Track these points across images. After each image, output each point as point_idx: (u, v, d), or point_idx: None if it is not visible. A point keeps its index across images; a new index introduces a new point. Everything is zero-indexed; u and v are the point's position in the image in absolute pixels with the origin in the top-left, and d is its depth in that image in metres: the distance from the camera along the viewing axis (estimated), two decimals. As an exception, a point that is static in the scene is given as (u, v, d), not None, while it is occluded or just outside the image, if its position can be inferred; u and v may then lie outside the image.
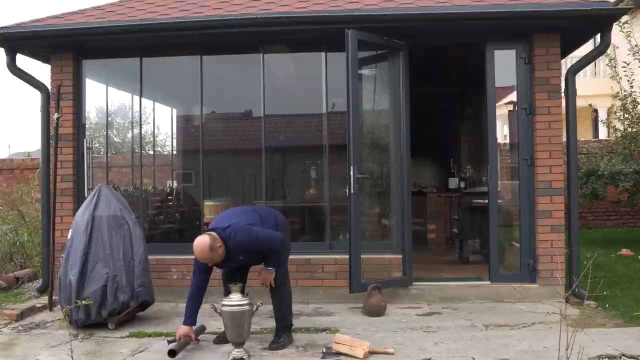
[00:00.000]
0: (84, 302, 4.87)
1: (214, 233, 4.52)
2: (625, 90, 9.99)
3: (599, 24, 6.02)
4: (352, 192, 5.79)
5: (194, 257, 4.52)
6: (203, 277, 4.71)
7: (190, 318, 4.66)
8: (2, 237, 8.13)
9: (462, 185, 9.66)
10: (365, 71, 6.58)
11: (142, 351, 4.75)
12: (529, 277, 6.24)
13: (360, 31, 5.94)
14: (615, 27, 6.53)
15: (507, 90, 7.58)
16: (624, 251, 9.04)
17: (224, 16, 6.18)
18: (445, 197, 9.32)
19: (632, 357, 4.26)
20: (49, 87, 6.77)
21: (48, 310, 6.11)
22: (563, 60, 6.67)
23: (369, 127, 6.76)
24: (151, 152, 11.12)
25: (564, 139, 6.29)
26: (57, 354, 4.68)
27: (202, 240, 4.45)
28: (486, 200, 6.61)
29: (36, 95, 8.21)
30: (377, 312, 5.70)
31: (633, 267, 7.85)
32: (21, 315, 5.85)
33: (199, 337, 4.88)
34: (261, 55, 6.82)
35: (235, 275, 4.82)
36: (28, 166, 12.65)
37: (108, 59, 7.14)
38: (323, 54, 6.79)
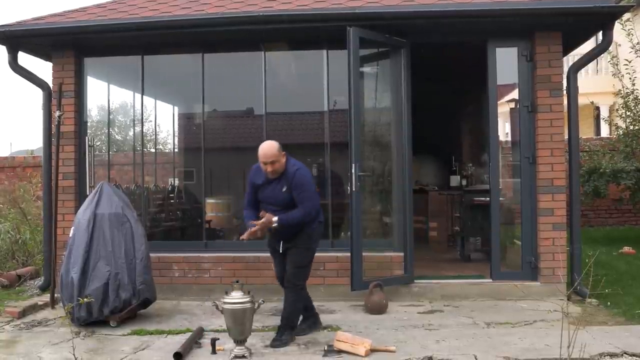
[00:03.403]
0: (85, 299, 4.87)
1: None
2: (627, 88, 9.98)
3: (601, 21, 6.00)
4: (353, 190, 5.79)
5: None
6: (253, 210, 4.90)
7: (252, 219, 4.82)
8: (4, 235, 8.13)
9: (464, 183, 9.65)
10: (366, 69, 6.57)
11: (143, 349, 4.75)
12: (531, 275, 6.24)
13: (362, 29, 5.94)
14: (617, 25, 6.52)
15: (509, 87, 7.55)
16: (626, 249, 9.04)
17: (225, 14, 6.17)
18: (446, 195, 9.31)
19: (634, 355, 4.27)
20: (51, 85, 6.78)
21: (50, 308, 6.11)
22: (565, 58, 6.66)
23: (370, 125, 6.75)
24: (153, 150, 11.14)
25: (566, 136, 6.29)
26: (59, 351, 4.69)
27: (272, 141, 4.72)
28: (488, 198, 6.61)
29: (38, 93, 8.22)
30: (378, 310, 5.70)
31: (635, 265, 7.84)
32: (23, 313, 5.86)
33: (199, 340, 4.87)
34: (262, 53, 6.81)
35: (280, 261, 4.96)
36: (30, 164, 12.64)
37: (109, 56, 7.13)
38: (324, 51, 6.78)
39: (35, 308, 6.07)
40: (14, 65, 6.62)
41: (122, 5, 6.81)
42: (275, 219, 4.67)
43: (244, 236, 4.77)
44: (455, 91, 10.29)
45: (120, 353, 4.65)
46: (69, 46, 6.74)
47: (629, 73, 9.80)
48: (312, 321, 5.09)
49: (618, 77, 10.10)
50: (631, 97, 9.94)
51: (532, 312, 5.54)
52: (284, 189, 4.71)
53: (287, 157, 4.77)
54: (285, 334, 4.80)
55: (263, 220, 4.71)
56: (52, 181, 6.55)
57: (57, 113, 6.47)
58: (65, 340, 4.90)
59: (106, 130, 8.57)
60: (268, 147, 4.66)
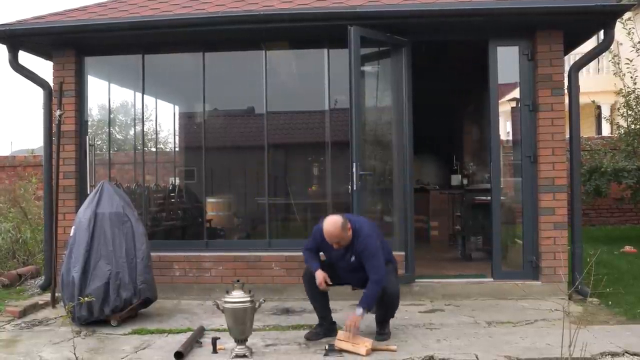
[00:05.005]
0: (86, 299, 4.87)
1: (344, 218, 4.53)
2: (628, 87, 9.96)
3: (602, 20, 5.99)
4: (354, 189, 5.78)
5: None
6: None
7: (318, 265, 4.72)
8: (4, 234, 8.13)
9: (465, 182, 9.64)
10: (367, 68, 6.56)
11: (144, 348, 4.75)
12: (532, 274, 6.23)
13: (363, 28, 5.93)
14: (618, 24, 6.50)
15: (510, 86, 7.55)
16: (627, 248, 9.03)
17: (226, 13, 6.17)
18: (447, 194, 9.31)
19: (635, 354, 4.26)
20: (51, 84, 6.77)
21: (51, 307, 6.11)
22: (566, 57, 6.65)
23: (371, 124, 6.74)
24: (153, 149, 11.14)
25: (567, 135, 6.28)
26: (59, 350, 4.69)
27: (335, 217, 4.51)
28: (489, 198, 6.59)
29: (39, 93, 8.23)
30: (379, 309, 5.69)
31: (636, 264, 7.82)
32: (24, 312, 5.86)
33: (200, 340, 4.86)
34: (263, 52, 6.80)
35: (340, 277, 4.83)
36: (30, 163, 12.66)
37: (110, 55, 7.13)
38: (325, 50, 6.77)
39: (36, 307, 6.07)
40: (15, 64, 6.61)
41: (123, 5, 6.80)
42: (359, 312, 4.47)
43: (322, 283, 4.67)
44: (456, 90, 10.29)
45: (121, 352, 4.64)
46: (70, 45, 6.73)
47: (630, 72, 9.79)
48: (326, 327, 4.95)
49: (619, 76, 10.08)
50: (632, 96, 9.92)
51: (533, 312, 5.53)
52: (353, 259, 4.64)
53: (353, 227, 4.59)
54: (387, 326, 4.83)
55: (351, 325, 4.47)
56: (52, 180, 6.55)
57: (58, 112, 6.47)
58: (66, 339, 4.90)
59: (107, 129, 8.57)
60: (332, 228, 4.49)
